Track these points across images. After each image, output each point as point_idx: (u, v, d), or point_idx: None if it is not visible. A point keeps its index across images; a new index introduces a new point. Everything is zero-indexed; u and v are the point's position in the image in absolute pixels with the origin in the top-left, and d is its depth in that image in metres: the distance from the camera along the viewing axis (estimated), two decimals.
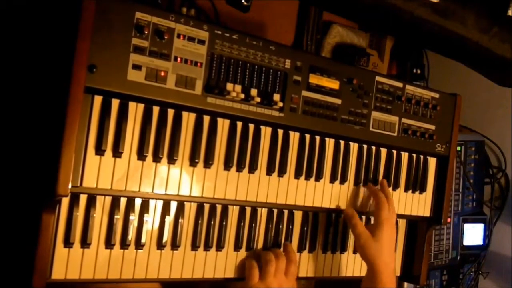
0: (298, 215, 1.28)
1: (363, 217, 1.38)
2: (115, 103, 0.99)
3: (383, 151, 1.38)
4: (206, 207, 1.14)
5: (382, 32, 1.79)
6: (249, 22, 1.46)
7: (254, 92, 1.11)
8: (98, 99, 0.97)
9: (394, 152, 1.40)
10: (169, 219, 1.09)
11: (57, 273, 0.98)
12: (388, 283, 1.21)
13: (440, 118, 1.44)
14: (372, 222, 1.33)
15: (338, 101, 1.25)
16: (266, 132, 1.18)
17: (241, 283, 1.16)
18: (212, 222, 1.14)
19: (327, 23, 1.68)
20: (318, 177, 1.25)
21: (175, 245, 1.09)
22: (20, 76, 1.13)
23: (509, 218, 1.90)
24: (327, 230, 1.33)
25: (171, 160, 1.05)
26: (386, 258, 1.23)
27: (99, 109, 0.98)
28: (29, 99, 1.11)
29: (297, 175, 1.22)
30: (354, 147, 1.32)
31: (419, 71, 1.83)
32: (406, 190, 1.42)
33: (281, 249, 1.23)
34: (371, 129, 1.31)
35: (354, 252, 1.37)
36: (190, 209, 1.12)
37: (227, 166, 1.12)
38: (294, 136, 1.22)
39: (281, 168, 1.19)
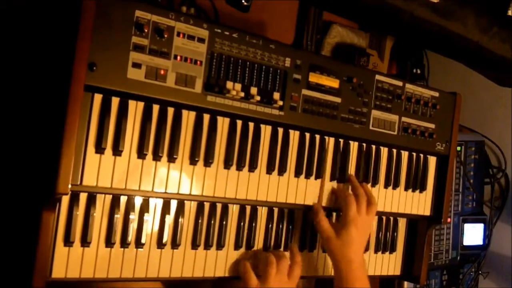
0: (298, 214, 1.28)
1: None
2: (115, 101, 0.99)
3: (383, 150, 1.38)
4: (206, 205, 1.14)
5: (382, 32, 1.79)
6: (249, 22, 1.46)
7: (254, 90, 1.11)
8: (98, 98, 0.97)
9: (394, 151, 1.40)
10: (169, 218, 1.09)
11: (57, 272, 0.98)
12: (352, 277, 1.18)
13: (440, 116, 1.44)
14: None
15: (338, 99, 1.25)
16: (266, 131, 1.18)
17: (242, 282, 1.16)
18: (212, 221, 1.14)
19: (327, 23, 1.68)
20: (318, 176, 1.25)
21: (175, 244, 1.09)
22: (21, 75, 1.13)
23: (509, 218, 1.90)
24: None
25: (171, 159, 1.05)
26: (349, 255, 1.19)
27: (99, 108, 0.98)
28: (29, 98, 1.11)
29: (297, 174, 1.22)
30: (354, 145, 1.32)
31: (419, 71, 1.83)
32: (406, 189, 1.42)
33: (282, 249, 1.24)
34: (371, 127, 1.31)
35: None
36: (190, 208, 1.12)
37: (227, 164, 1.12)
38: (294, 135, 1.22)
39: (281, 167, 1.19)
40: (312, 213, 1.26)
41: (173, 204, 1.10)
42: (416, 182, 1.44)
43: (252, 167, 1.15)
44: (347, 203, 1.24)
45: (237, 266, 1.17)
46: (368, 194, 1.29)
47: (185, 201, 1.11)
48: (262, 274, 1.14)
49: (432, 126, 1.43)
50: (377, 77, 1.32)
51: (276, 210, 1.24)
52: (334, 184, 1.29)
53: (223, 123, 1.12)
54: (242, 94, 1.10)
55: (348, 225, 1.22)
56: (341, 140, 1.30)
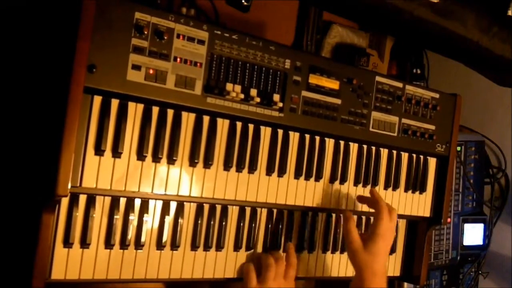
0: (297, 215, 1.28)
1: (363, 217, 1.39)
2: (115, 103, 0.99)
3: (383, 151, 1.38)
4: (206, 207, 1.14)
5: (382, 32, 1.79)
6: (249, 22, 1.46)
7: (253, 92, 1.11)
8: (97, 99, 0.97)
9: (394, 152, 1.40)
10: (169, 219, 1.09)
11: (57, 273, 0.98)
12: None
13: (440, 118, 1.44)
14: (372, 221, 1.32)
15: (338, 101, 1.24)
16: (265, 132, 1.18)
17: (241, 283, 1.16)
18: (211, 222, 1.14)
19: (327, 23, 1.68)
20: (318, 177, 1.25)
21: (174, 245, 1.09)
22: (20, 76, 1.13)
23: (509, 218, 1.90)
24: (327, 230, 1.33)
25: (171, 160, 1.05)
26: (375, 267, 1.19)
27: (98, 109, 0.98)
28: (28, 99, 1.11)
29: (297, 175, 1.22)
30: (354, 147, 1.32)
31: (419, 71, 1.83)
32: (406, 190, 1.42)
33: (281, 250, 1.24)
34: (371, 129, 1.31)
35: None
36: (190, 209, 1.12)
37: (226, 166, 1.12)
38: (294, 136, 1.22)
39: (280, 168, 1.19)
40: (343, 219, 1.26)
41: (173, 205, 1.10)
42: (416, 183, 1.44)
43: (252, 169, 1.15)
44: (379, 215, 1.23)
45: (237, 267, 1.17)
46: (387, 203, 1.29)
47: (185, 203, 1.11)
48: (261, 275, 1.14)
49: (432, 127, 1.43)
50: (377, 78, 1.31)
51: (275, 211, 1.24)
52: (336, 186, 1.29)
53: (223, 125, 1.12)
54: (242, 96, 1.10)
55: (377, 237, 1.21)
56: (341, 142, 1.30)
